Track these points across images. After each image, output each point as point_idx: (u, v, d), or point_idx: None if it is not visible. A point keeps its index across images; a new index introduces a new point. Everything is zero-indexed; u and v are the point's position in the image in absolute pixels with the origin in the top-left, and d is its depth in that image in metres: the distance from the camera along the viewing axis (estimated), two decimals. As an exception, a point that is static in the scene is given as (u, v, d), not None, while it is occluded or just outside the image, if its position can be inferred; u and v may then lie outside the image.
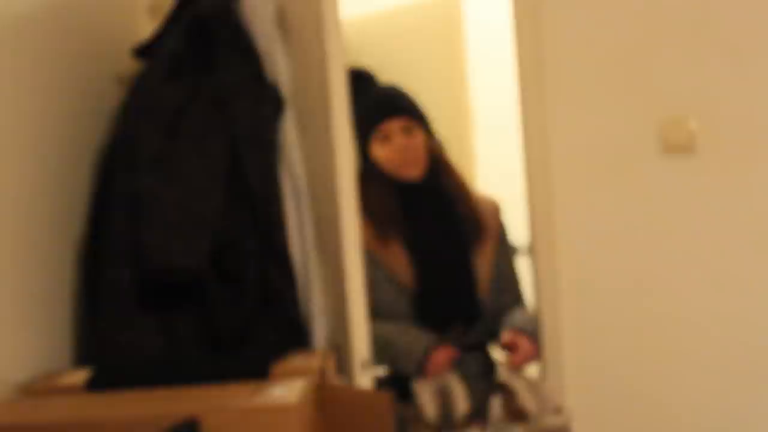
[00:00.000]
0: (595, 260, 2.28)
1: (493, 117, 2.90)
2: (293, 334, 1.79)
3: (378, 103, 2.39)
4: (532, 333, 2.23)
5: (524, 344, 2.20)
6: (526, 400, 2.13)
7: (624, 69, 2.26)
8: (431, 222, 2.31)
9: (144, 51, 1.92)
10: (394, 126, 2.27)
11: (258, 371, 1.61)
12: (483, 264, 2.28)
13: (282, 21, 1.88)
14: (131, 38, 2.00)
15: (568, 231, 2.26)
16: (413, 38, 3.11)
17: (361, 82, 2.43)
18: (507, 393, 2.19)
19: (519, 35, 2.25)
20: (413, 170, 2.28)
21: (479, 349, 2.24)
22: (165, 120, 1.77)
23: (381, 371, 2.05)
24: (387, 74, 2.78)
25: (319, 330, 1.80)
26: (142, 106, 1.82)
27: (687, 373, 2.27)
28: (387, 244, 2.26)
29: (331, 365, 1.77)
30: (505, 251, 2.37)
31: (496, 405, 2.18)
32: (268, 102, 1.80)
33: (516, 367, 2.20)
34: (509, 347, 2.20)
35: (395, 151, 2.27)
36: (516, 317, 2.29)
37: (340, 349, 1.83)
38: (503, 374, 2.20)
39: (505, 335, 2.20)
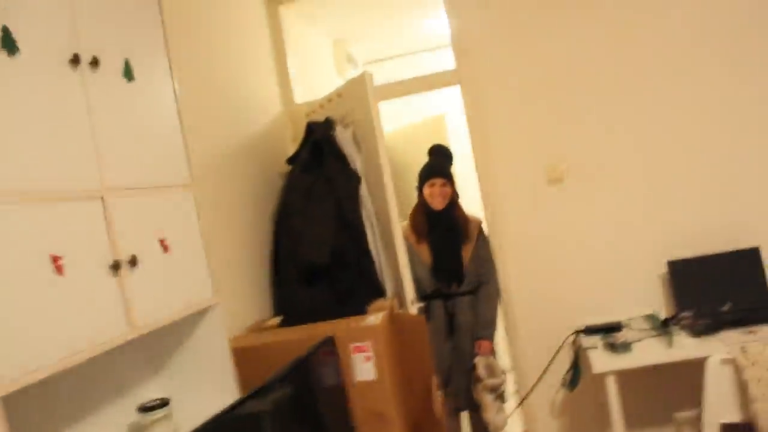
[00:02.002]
0: (521, 238, 3.95)
1: (462, 173, 4.40)
2: (376, 290, 3.09)
3: (431, 167, 3.82)
4: (490, 335, 3.73)
5: (483, 346, 3.71)
6: (480, 370, 3.63)
7: (528, 139, 3.92)
8: (443, 232, 3.77)
9: (291, 160, 3.35)
10: (437, 181, 3.76)
11: (360, 310, 2.79)
12: (466, 254, 3.75)
13: (356, 139, 3.28)
14: (285, 154, 3.48)
15: (506, 226, 3.90)
16: (421, 138, 4.66)
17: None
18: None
19: (471, 127, 3.92)
20: (440, 205, 3.75)
21: (468, 294, 3.74)
22: (303, 192, 3.14)
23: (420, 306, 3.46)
24: (410, 156, 4.27)
25: (389, 287, 3.16)
26: (291, 186, 3.23)
27: (571, 274, 3.76)
28: (420, 244, 3.76)
29: (396, 304, 3.03)
30: (482, 246, 3.82)
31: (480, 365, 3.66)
32: (353, 178, 3.16)
33: (482, 355, 3.69)
34: (478, 348, 3.70)
35: (434, 193, 3.75)
36: (480, 331, 3.73)
37: (399, 296, 3.16)
38: (477, 357, 3.70)
39: (477, 344, 3.71)
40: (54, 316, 1.45)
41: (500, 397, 3.69)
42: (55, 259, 1.48)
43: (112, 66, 1.83)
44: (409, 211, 3.90)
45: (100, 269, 1.63)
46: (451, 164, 3.92)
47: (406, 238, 3.64)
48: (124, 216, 1.77)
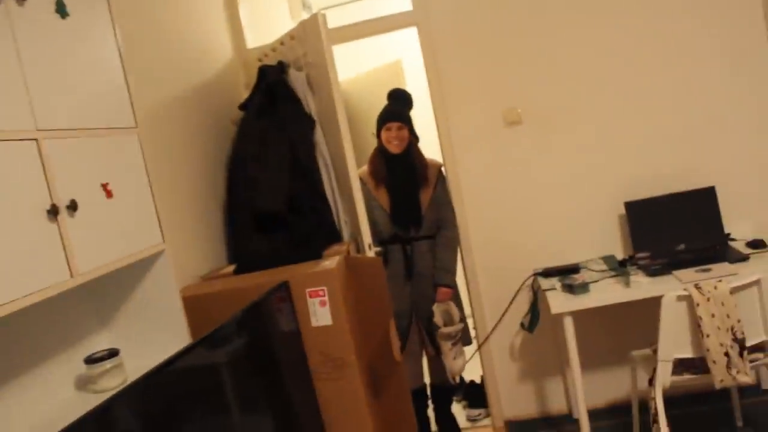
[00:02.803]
0: (479, 182, 3.94)
1: (420, 117, 4.32)
2: (333, 235, 3.07)
3: (388, 112, 3.73)
4: (450, 282, 3.73)
5: (442, 292, 3.71)
6: (437, 317, 3.65)
7: (485, 83, 3.86)
8: (401, 176, 3.71)
9: (243, 106, 3.26)
10: (393, 125, 3.67)
11: (317, 256, 2.73)
12: (425, 198, 3.71)
13: (310, 82, 3.20)
14: (238, 100, 3.39)
15: (465, 170, 3.90)
16: (378, 84, 4.59)
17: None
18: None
19: (429, 71, 3.85)
20: (397, 149, 3.68)
21: (426, 238, 3.72)
22: (256, 138, 3.07)
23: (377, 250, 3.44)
24: (367, 103, 4.20)
25: (345, 231, 3.13)
26: (244, 133, 3.16)
27: (529, 217, 3.78)
28: (378, 189, 3.70)
29: (352, 248, 2.99)
30: (441, 190, 3.77)
31: (437, 312, 3.67)
32: (307, 122, 3.11)
33: (440, 301, 3.70)
34: (437, 295, 3.71)
35: (391, 137, 3.68)
36: (439, 278, 3.71)
37: (356, 239, 3.13)
38: (434, 305, 3.71)
39: (437, 292, 3.71)
40: (-15, 262, 1.38)
41: (458, 343, 3.71)
42: (-15, 203, 1.41)
43: (42, 0, 1.73)
44: (367, 158, 3.83)
45: (37, 214, 1.56)
46: (409, 108, 3.84)
47: (364, 183, 3.62)
48: (62, 159, 1.69)
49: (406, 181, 3.74)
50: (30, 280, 1.50)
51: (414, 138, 3.79)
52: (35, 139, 1.61)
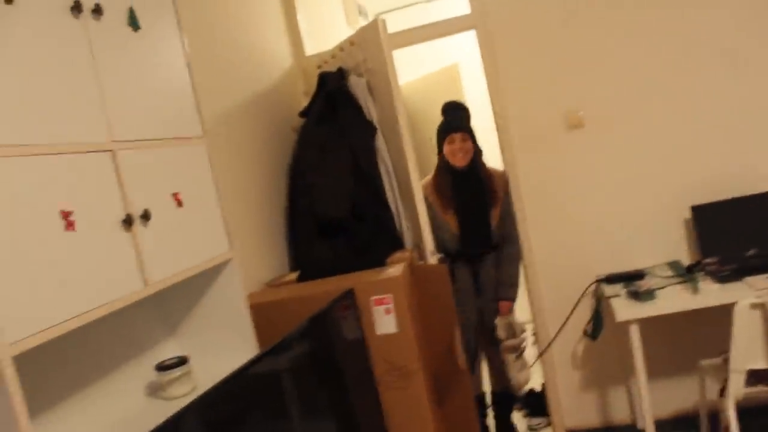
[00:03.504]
0: (540, 187, 3.86)
1: (478, 123, 4.24)
2: (395, 242, 3.06)
3: (448, 123, 3.65)
4: (512, 296, 3.70)
5: (504, 306, 3.67)
6: (500, 331, 3.62)
7: (546, 85, 3.80)
8: (470, 195, 3.62)
9: (304, 113, 3.28)
10: (456, 136, 3.60)
11: (380, 263, 2.75)
12: (495, 217, 3.64)
13: (370, 88, 3.20)
14: (298, 107, 3.41)
15: (526, 175, 3.84)
16: (436, 89, 4.57)
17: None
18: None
19: (488, 74, 3.79)
20: (462, 161, 3.60)
21: (492, 251, 3.69)
22: (317, 145, 3.09)
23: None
24: (425, 108, 4.17)
25: (408, 238, 3.11)
26: (305, 140, 3.18)
27: (592, 223, 3.70)
28: (446, 209, 3.64)
29: (415, 255, 3.00)
30: (508, 203, 3.71)
31: (500, 325, 3.64)
32: (368, 129, 3.10)
33: (503, 315, 3.66)
34: (499, 308, 3.66)
35: (455, 149, 3.60)
36: (502, 292, 3.68)
37: (419, 247, 3.11)
38: (497, 318, 3.69)
39: (499, 306, 3.67)
40: (66, 273, 1.41)
41: (521, 355, 3.67)
42: (65, 215, 1.44)
43: (116, 14, 1.76)
44: (425, 165, 3.78)
45: (113, 224, 1.59)
46: (468, 118, 3.74)
47: (429, 201, 3.56)
48: (135, 170, 1.71)
49: (475, 200, 3.63)
50: (106, 290, 1.52)
51: (478, 150, 3.68)
52: (111, 150, 1.63)
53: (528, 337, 3.74)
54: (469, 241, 3.62)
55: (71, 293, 1.41)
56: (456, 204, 3.62)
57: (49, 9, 1.52)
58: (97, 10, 1.66)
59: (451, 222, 3.61)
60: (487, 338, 3.70)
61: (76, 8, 1.58)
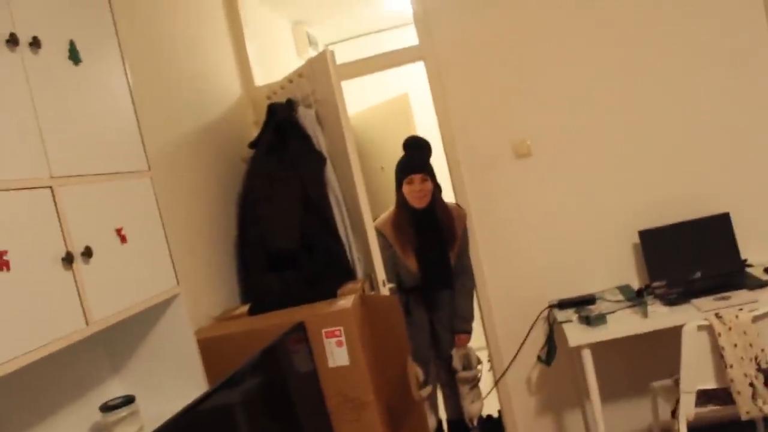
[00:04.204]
0: (490, 212, 3.91)
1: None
2: (346, 273, 3.02)
3: (409, 162, 3.58)
4: (468, 329, 3.72)
5: (462, 339, 3.71)
6: (456, 362, 3.65)
7: (494, 114, 3.85)
8: (429, 234, 3.60)
9: (253, 144, 3.25)
10: (416, 177, 3.55)
11: (331, 294, 2.71)
12: (453, 256, 3.65)
13: (319, 118, 3.19)
14: (247, 137, 3.38)
15: (476, 203, 3.89)
16: (386, 118, 4.59)
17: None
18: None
19: (437, 104, 3.85)
20: (421, 203, 3.58)
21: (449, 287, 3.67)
22: (267, 176, 3.05)
23: (391, 286, 3.40)
24: (375, 138, 4.18)
25: (359, 269, 3.09)
26: (254, 171, 3.14)
27: (542, 249, 3.73)
28: (405, 251, 3.62)
29: (367, 286, 2.97)
30: (464, 240, 3.72)
31: (456, 357, 3.65)
32: (317, 159, 3.08)
33: (459, 347, 3.68)
34: (456, 341, 3.69)
35: (414, 191, 3.56)
36: (459, 325, 3.70)
37: (370, 277, 3.07)
38: (453, 349, 3.71)
39: (456, 339, 3.70)
40: (1, 314, 1.35)
41: (476, 387, 3.67)
42: (-1, 254, 1.39)
43: (55, 47, 1.73)
44: (375, 195, 3.79)
45: (52, 262, 1.54)
46: (429, 155, 3.67)
47: (389, 239, 3.56)
48: (77, 206, 1.67)
49: (435, 241, 3.60)
50: (46, 329, 1.47)
51: (437, 188, 3.65)
52: (50, 187, 1.59)
53: (483, 369, 3.75)
54: (428, 280, 3.63)
55: (6, 335, 1.36)
56: (415, 244, 3.59)
57: (-17, 42, 1.48)
58: (35, 44, 1.63)
59: (410, 261, 3.60)
60: (444, 368, 3.70)
61: (12, 41, 1.55)
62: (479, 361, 3.72)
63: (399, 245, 3.57)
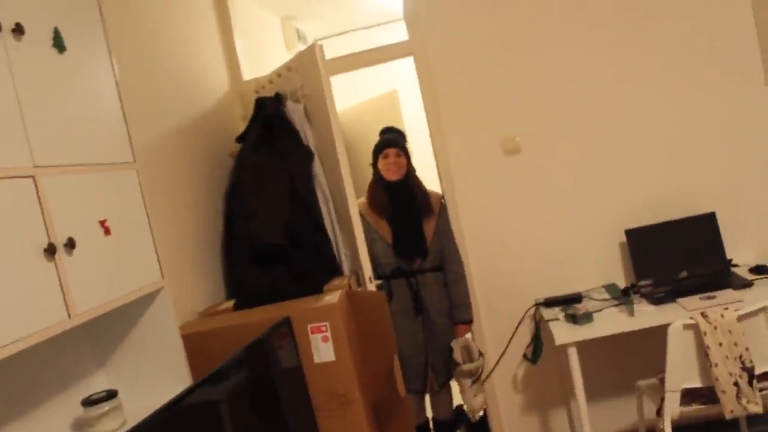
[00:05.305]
0: (477, 209, 3.88)
1: (418, 148, 4.32)
2: (333, 269, 3.00)
3: (384, 140, 3.68)
4: (467, 318, 3.67)
5: (461, 329, 3.67)
6: (457, 354, 3.58)
7: (483, 111, 3.84)
8: (403, 206, 3.63)
9: (241, 138, 3.22)
10: (390, 151, 3.62)
11: (317, 289, 2.69)
12: (428, 229, 3.63)
13: (307, 113, 3.17)
14: (235, 132, 3.35)
15: (463, 200, 3.87)
16: (374, 115, 4.58)
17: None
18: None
19: (426, 100, 3.83)
20: (395, 175, 3.62)
21: (432, 271, 3.64)
22: (254, 170, 3.03)
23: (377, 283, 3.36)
24: (363, 134, 4.17)
25: (345, 265, 3.07)
26: (242, 165, 3.11)
27: (529, 247, 3.74)
28: (379, 220, 3.61)
29: (353, 282, 2.95)
30: (444, 220, 3.70)
31: (456, 348, 3.61)
32: (305, 154, 3.06)
33: (459, 337, 3.64)
34: (454, 332, 3.65)
35: (389, 163, 3.62)
36: (457, 315, 3.66)
37: (357, 273, 3.07)
38: (453, 341, 3.65)
39: (455, 329, 3.65)
40: (-19, 305, 1.33)
41: (478, 380, 3.64)
42: (-20, 243, 1.36)
43: (39, 34, 1.70)
44: (363, 191, 3.77)
45: (34, 253, 1.52)
46: (403, 138, 3.80)
47: (363, 216, 3.54)
48: (60, 196, 1.65)
49: (409, 209, 3.64)
50: (27, 321, 1.45)
51: (411, 167, 3.72)
52: (32, 176, 1.56)
53: (485, 362, 3.72)
54: (402, 248, 3.60)
55: (-14, 326, 1.33)
56: (389, 213, 3.63)
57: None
58: (18, 30, 1.60)
59: (383, 231, 3.60)
60: (440, 358, 3.64)
61: (-5, 28, 1.52)
62: (481, 354, 3.69)
63: (374, 218, 3.62)
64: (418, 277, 3.60)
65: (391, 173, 3.63)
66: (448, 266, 3.69)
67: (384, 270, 3.57)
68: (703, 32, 3.67)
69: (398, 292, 3.57)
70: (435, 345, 3.65)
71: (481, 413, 4.15)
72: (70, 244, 1.63)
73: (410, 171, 3.70)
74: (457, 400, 3.85)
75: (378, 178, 3.70)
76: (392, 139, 3.70)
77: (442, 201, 3.78)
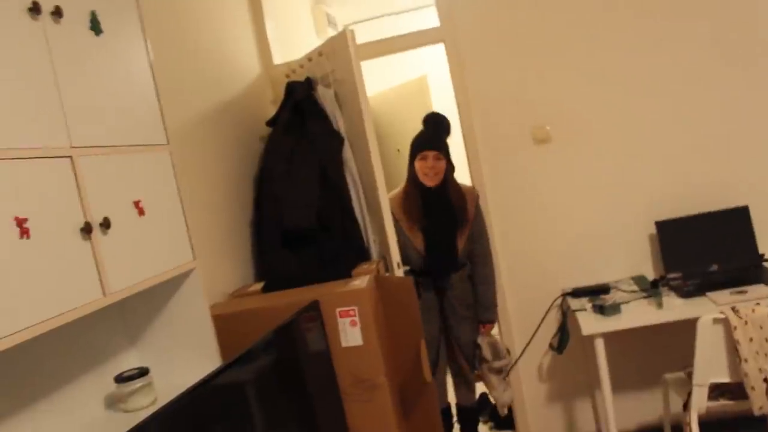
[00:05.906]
0: (506, 198, 3.88)
1: None
2: (362, 254, 3.02)
3: (425, 138, 3.50)
4: (493, 318, 3.66)
5: (486, 327, 3.65)
6: (485, 351, 3.58)
7: (513, 99, 3.81)
8: (438, 218, 3.52)
9: (271, 122, 3.24)
10: (429, 154, 3.46)
11: (345, 274, 2.69)
12: (461, 240, 3.56)
13: (338, 98, 3.17)
14: (265, 116, 3.37)
15: (492, 188, 3.86)
16: (404, 100, 4.56)
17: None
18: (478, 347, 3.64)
19: (456, 87, 3.81)
20: (432, 182, 3.50)
21: (459, 269, 3.61)
22: (284, 155, 3.04)
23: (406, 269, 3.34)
24: (392, 120, 4.14)
25: (374, 250, 3.09)
26: (272, 149, 3.13)
27: (558, 236, 3.71)
28: (413, 230, 3.55)
29: (381, 267, 2.92)
30: (477, 224, 3.63)
31: (484, 345, 3.62)
32: (336, 139, 3.07)
33: (484, 335, 3.64)
34: (480, 329, 3.64)
35: (426, 167, 3.48)
36: (482, 314, 3.62)
37: (385, 258, 3.07)
38: (479, 337, 3.65)
39: (480, 327, 3.64)
40: (20, 281, 1.36)
41: (506, 376, 3.66)
42: (19, 222, 1.39)
43: (77, 17, 1.72)
44: (392, 176, 3.74)
45: (71, 232, 1.54)
46: (446, 135, 3.57)
47: (396, 217, 3.46)
48: (96, 177, 1.67)
49: (443, 222, 3.53)
50: (63, 299, 1.47)
51: (450, 168, 3.55)
52: (70, 156, 1.59)
53: (512, 358, 3.74)
54: (434, 262, 3.55)
55: (25, 302, 1.36)
56: (423, 224, 3.52)
57: (6, 9, 1.47)
58: (57, 12, 1.62)
59: (417, 241, 3.53)
60: (460, 354, 3.65)
61: (35, 9, 1.54)
62: (508, 351, 3.71)
63: (407, 224, 3.51)
64: (444, 277, 3.59)
65: (428, 179, 3.48)
66: (476, 268, 3.64)
67: (413, 267, 3.54)
68: (739, 24, 3.61)
69: (424, 289, 3.56)
70: (455, 332, 3.64)
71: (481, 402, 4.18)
72: (106, 224, 1.66)
73: (448, 175, 3.53)
74: (480, 388, 3.86)
75: (413, 179, 3.55)
76: (432, 140, 3.49)
77: (477, 203, 3.65)
